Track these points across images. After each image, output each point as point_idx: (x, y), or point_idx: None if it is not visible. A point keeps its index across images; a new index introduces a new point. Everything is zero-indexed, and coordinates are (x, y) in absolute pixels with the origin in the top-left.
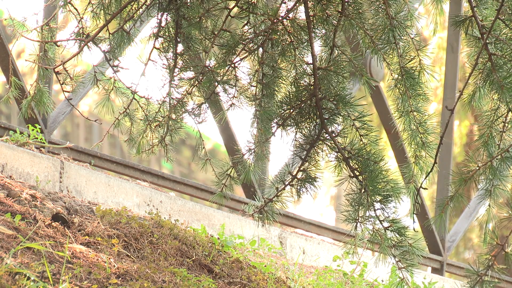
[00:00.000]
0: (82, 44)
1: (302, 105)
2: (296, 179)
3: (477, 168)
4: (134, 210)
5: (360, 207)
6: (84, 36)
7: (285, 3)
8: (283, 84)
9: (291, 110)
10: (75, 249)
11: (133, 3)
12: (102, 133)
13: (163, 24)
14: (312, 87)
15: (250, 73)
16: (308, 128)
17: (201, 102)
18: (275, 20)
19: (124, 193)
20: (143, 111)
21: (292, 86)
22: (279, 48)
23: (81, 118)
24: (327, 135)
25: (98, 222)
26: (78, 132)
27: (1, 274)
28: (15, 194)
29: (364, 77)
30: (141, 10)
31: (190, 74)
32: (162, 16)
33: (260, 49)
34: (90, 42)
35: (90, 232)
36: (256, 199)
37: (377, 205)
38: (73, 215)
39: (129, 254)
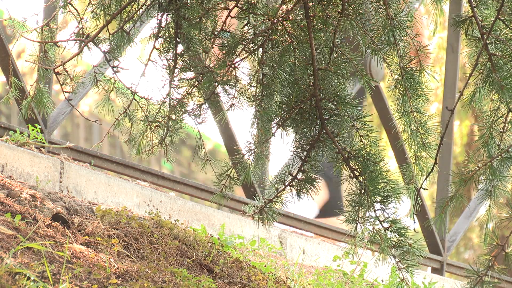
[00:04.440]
0: (82, 45)
1: (302, 105)
2: (296, 180)
3: (477, 168)
4: (134, 210)
5: (360, 208)
6: (84, 36)
7: (285, 3)
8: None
9: (291, 111)
10: (75, 249)
11: (133, 3)
12: (102, 133)
13: (163, 24)
14: (312, 87)
15: (250, 73)
16: (308, 128)
17: (201, 102)
18: (275, 21)
19: (124, 193)
20: (143, 111)
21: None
22: (279, 49)
23: (81, 118)
24: (327, 135)
25: (98, 222)
26: (78, 132)
27: (1, 274)
28: (15, 194)
29: (364, 77)
30: (141, 10)
31: (190, 74)
32: (162, 16)
33: (260, 50)
34: (90, 42)
35: (90, 232)
36: (256, 200)
37: (377, 206)
38: (73, 215)
39: (129, 254)
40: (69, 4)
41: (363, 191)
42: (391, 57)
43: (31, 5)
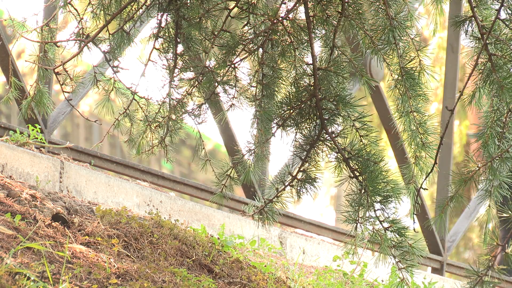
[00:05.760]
0: (82, 45)
1: (302, 105)
2: (296, 180)
3: (477, 168)
4: (134, 210)
5: (360, 208)
6: (84, 36)
7: (285, 3)
8: (283, 84)
9: (291, 111)
10: (75, 249)
11: (133, 3)
12: (102, 133)
13: (163, 24)
14: (312, 87)
15: (250, 73)
16: (308, 128)
17: (201, 102)
18: (275, 21)
19: (124, 193)
20: (143, 111)
21: (292, 87)
22: (279, 49)
23: (81, 118)
24: (327, 135)
25: (98, 222)
26: (78, 132)
27: (1, 274)
28: (15, 194)
29: (364, 77)
30: (141, 10)
31: (190, 74)
32: (162, 16)
33: (260, 50)
34: (90, 42)
35: (90, 232)
36: (256, 200)
37: (377, 206)
38: (73, 215)
39: (129, 254)
40: (69, 4)
41: (363, 191)
42: (391, 57)
43: (31, 5)
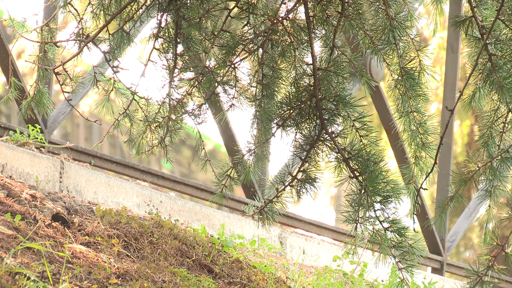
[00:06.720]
0: (82, 45)
1: (302, 105)
2: (296, 180)
3: (477, 168)
4: (134, 210)
5: (360, 208)
6: (84, 36)
7: (285, 3)
8: (283, 84)
9: (291, 111)
10: (75, 249)
11: (133, 3)
12: (102, 133)
13: (163, 24)
14: (312, 87)
15: (250, 73)
16: (308, 128)
17: (201, 102)
18: (275, 21)
19: (124, 193)
20: (143, 111)
21: (292, 87)
22: (279, 49)
23: (81, 118)
24: (327, 135)
25: (98, 222)
26: (78, 132)
27: (1, 274)
28: (15, 194)
29: (364, 77)
30: (141, 10)
31: (190, 74)
32: (162, 16)
33: (260, 50)
34: (90, 42)
35: (90, 232)
36: (256, 200)
37: (377, 206)
38: (73, 215)
39: (129, 254)
40: (69, 4)
41: (363, 191)
42: (391, 57)
43: (31, 5)
